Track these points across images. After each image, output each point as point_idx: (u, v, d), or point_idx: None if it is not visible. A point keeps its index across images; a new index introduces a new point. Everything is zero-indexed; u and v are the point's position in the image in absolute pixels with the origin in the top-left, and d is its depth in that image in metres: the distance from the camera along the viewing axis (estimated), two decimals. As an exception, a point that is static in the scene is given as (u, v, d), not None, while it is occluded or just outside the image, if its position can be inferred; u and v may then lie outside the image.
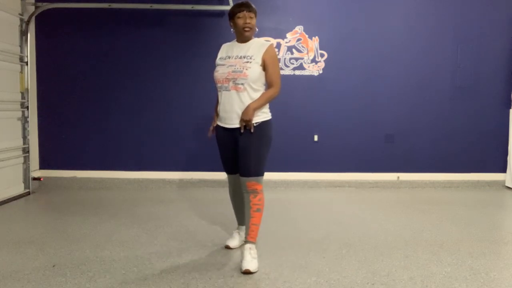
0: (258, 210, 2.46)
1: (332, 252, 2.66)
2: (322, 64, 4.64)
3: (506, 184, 4.73)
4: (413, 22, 4.66)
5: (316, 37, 4.61)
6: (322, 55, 4.63)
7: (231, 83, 2.44)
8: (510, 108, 4.75)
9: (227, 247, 2.70)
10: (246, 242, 2.47)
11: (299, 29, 4.61)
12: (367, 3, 4.63)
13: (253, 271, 2.32)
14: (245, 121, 2.40)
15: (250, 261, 2.35)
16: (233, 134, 2.49)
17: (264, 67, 2.45)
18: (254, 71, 2.42)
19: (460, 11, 4.66)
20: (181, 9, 4.44)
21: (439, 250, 2.70)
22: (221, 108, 2.53)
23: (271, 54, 2.47)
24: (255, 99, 2.43)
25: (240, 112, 2.42)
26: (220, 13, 4.52)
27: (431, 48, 4.68)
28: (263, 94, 2.46)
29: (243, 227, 2.67)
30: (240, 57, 2.46)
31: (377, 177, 4.74)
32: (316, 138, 4.70)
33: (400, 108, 4.71)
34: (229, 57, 2.50)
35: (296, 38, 4.60)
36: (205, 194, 4.32)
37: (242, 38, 2.51)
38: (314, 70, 4.63)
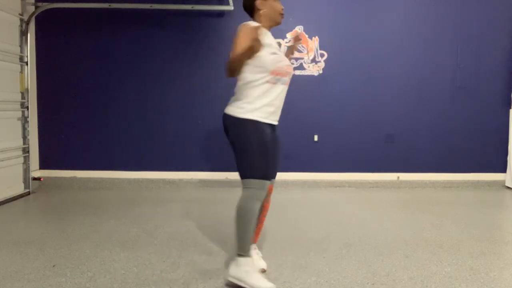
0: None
1: (332, 252, 2.66)
2: (322, 64, 4.64)
3: (506, 184, 4.73)
4: (413, 22, 4.66)
5: (316, 37, 4.61)
6: (322, 55, 4.63)
7: (287, 78, 2.24)
8: (510, 108, 4.75)
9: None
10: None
11: (299, 29, 4.61)
12: (367, 3, 4.63)
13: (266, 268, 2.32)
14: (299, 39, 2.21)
15: (260, 260, 2.36)
16: (275, 132, 2.32)
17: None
18: None
19: (460, 11, 4.66)
20: (181, 9, 4.44)
21: (439, 250, 2.70)
22: (272, 102, 2.17)
23: None
24: None
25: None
26: (220, 13, 4.52)
27: (431, 48, 4.68)
28: None
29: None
30: (279, 49, 2.25)
31: (377, 177, 4.74)
32: (316, 138, 4.70)
33: (400, 108, 4.71)
34: (273, 46, 2.21)
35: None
36: (205, 194, 4.31)
37: (272, 24, 2.26)
38: (314, 70, 4.63)
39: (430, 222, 3.34)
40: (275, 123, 2.26)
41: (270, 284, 2.06)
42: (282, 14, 2.23)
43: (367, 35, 4.64)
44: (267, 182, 2.15)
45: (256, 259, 2.34)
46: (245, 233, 2.11)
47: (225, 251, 2.66)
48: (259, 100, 2.15)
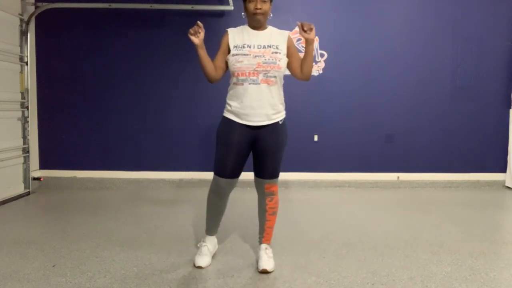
0: (274, 213, 2.44)
1: (332, 252, 2.66)
2: (322, 64, 4.64)
3: (506, 184, 4.73)
4: (413, 22, 4.66)
5: (316, 37, 4.61)
6: (322, 55, 4.63)
7: (261, 76, 2.21)
8: (510, 108, 4.75)
9: (199, 267, 2.37)
10: (261, 243, 2.48)
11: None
12: (367, 3, 4.63)
13: (270, 270, 2.32)
14: (310, 28, 2.18)
15: (267, 261, 2.35)
16: (253, 133, 2.29)
17: (288, 55, 2.33)
18: (284, 63, 2.29)
19: (460, 11, 4.66)
20: (181, 9, 4.44)
21: (439, 250, 2.70)
22: (243, 103, 2.25)
23: (292, 41, 2.37)
24: (282, 93, 2.34)
25: (270, 108, 2.25)
26: (220, 13, 4.52)
27: (431, 48, 4.68)
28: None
29: (211, 238, 2.52)
30: (265, 47, 2.25)
31: (377, 177, 4.74)
32: (316, 138, 4.70)
33: (400, 108, 4.71)
34: (248, 46, 2.25)
35: (296, 38, 4.60)
36: (205, 194, 4.29)
37: (254, 24, 2.29)
38: (314, 70, 4.63)
39: (430, 222, 3.34)
40: (253, 123, 2.26)
41: (202, 263, 2.37)
42: (255, 14, 2.24)
43: (367, 35, 4.64)
44: (220, 179, 2.33)
45: (264, 259, 2.35)
46: (207, 216, 2.51)
47: (225, 251, 2.66)
48: (231, 101, 2.31)
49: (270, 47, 2.26)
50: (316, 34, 4.58)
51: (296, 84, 4.61)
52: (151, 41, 4.56)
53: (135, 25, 4.55)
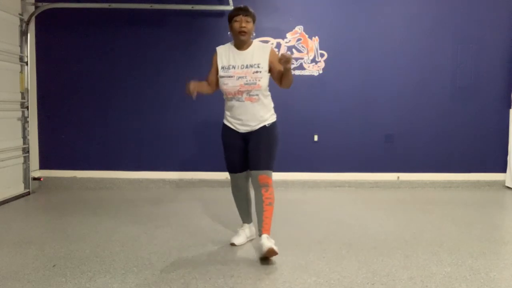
0: (270, 204, 2.55)
1: (332, 252, 2.66)
2: (322, 64, 4.64)
3: (506, 184, 4.73)
4: (413, 22, 4.66)
5: (316, 37, 4.61)
6: (322, 55, 4.63)
7: (245, 95, 2.53)
8: (510, 108, 4.75)
9: (232, 245, 2.75)
10: (261, 234, 2.54)
11: (299, 29, 4.61)
12: (367, 3, 4.62)
13: (277, 250, 2.40)
14: (287, 59, 2.31)
15: (270, 243, 2.44)
16: (244, 136, 2.63)
17: (270, 68, 2.58)
18: (265, 80, 2.55)
19: (460, 11, 4.66)
20: (181, 9, 4.44)
21: (439, 250, 2.70)
22: (233, 114, 2.61)
23: (274, 54, 2.60)
24: (267, 103, 2.62)
25: (255, 120, 2.57)
26: (220, 13, 4.52)
27: (431, 48, 4.68)
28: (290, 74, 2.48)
29: (248, 225, 2.85)
30: (247, 66, 2.52)
31: (377, 177, 4.74)
32: (316, 138, 4.70)
33: (400, 108, 4.71)
34: (233, 67, 2.54)
35: (296, 38, 4.60)
36: (205, 194, 4.31)
37: (239, 42, 2.56)
38: (314, 70, 4.63)
39: (430, 222, 3.34)
40: (243, 131, 2.60)
41: (236, 241, 2.74)
42: (240, 32, 2.50)
43: (367, 35, 4.64)
44: (232, 175, 2.75)
45: (266, 241, 2.44)
46: (237, 209, 2.89)
47: (225, 251, 2.66)
48: (226, 110, 2.69)
49: (252, 66, 2.52)
50: (316, 34, 4.62)
51: (296, 84, 4.62)
52: (151, 41, 4.56)
53: (135, 25, 4.55)
